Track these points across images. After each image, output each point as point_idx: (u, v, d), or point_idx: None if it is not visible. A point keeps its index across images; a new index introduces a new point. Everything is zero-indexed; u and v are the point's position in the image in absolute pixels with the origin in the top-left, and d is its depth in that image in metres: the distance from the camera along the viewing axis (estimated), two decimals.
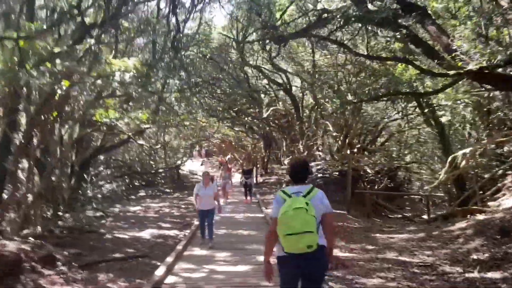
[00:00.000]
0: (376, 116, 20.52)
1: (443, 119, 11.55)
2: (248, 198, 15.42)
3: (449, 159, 12.01)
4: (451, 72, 6.41)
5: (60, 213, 10.93)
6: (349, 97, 10.31)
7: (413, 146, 21.78)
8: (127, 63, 8.17)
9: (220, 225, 11.13)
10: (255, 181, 19.85)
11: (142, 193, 21.64)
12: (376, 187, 18.53)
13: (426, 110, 11.95)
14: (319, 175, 16.41)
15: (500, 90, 8.52)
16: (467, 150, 11.64)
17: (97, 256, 8.20)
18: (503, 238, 6.88)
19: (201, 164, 39.85)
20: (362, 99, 10.40)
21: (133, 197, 20.12)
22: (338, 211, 13.36)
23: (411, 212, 18.98)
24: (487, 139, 11.67)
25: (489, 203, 11.38)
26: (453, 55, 6.83)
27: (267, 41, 11.37)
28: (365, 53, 8.92)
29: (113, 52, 11.37)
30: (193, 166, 34.54)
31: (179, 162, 27.42)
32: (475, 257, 6.46)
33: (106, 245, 9.72)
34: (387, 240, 9.23)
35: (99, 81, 8.48)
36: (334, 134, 19.62)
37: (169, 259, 7.10)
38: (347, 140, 18.81)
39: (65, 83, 7.72)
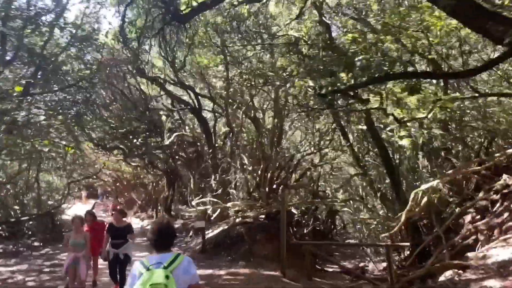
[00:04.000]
0: (291, 149, 18.57)
1: (404, 142, 8.63)
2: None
3: (412, 195, 9.06)
4: None
5: None
6: (310, 83, 6.58)
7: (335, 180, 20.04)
8: None
9: None
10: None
11: None
12: (304, 231, 15.35)
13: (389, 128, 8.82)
14: (238, 219, 12.51)
15: None
16: (434, 184, 8.81)
17: None
18: None
19: (92, 208, 33.67)
20: (346, 87, 6.08)
21: None
22: (269, 273, 9.59)
23: (343, 258, 16.16)
24: (453, 170, 9.04)
25: (469, 254, 8.55)
26: None
27: (167, 24, 7.53)
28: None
29: None
30: (82, 210, 28.83)
31: (56, 205, 21.74)
32: None
33: None
34: None
35: None
36: (251, 168, 16.41)
37: None
38: (268, 175, 15.60)
39: None
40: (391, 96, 7.30)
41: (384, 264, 12.96)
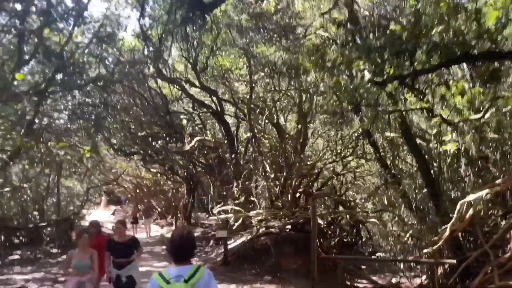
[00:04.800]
0: (314, 157, 17.78)
1: (449, 147, 7.75)
2: None
3: (458, 206, 8.15)
4: None
5: None
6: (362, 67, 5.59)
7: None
8: None
9: None
10: None
11: (17, 255, 15.87)
12: (331, 243, 14.46)
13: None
14: (262, 229, 11.76)
15: None
16: (483, 194, 7.88)
17: None
18: None
19: (113, 214, 33.36)
20: (413, 71, 4.78)
21: None
22: None
23: (371, 272, 15.20)
24: (505, 180, 8.09)
25: None
26: None
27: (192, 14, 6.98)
28: None
29: None
30: (101, 216, 28.55)
31: (76, 211, 21.47)
32: None
33: None
34: None
35: None
36: (273, 175, 15.69)
37: None
38: (291, 183, 14.85)
39: None
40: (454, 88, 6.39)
41: (418, 281, 11.97)
